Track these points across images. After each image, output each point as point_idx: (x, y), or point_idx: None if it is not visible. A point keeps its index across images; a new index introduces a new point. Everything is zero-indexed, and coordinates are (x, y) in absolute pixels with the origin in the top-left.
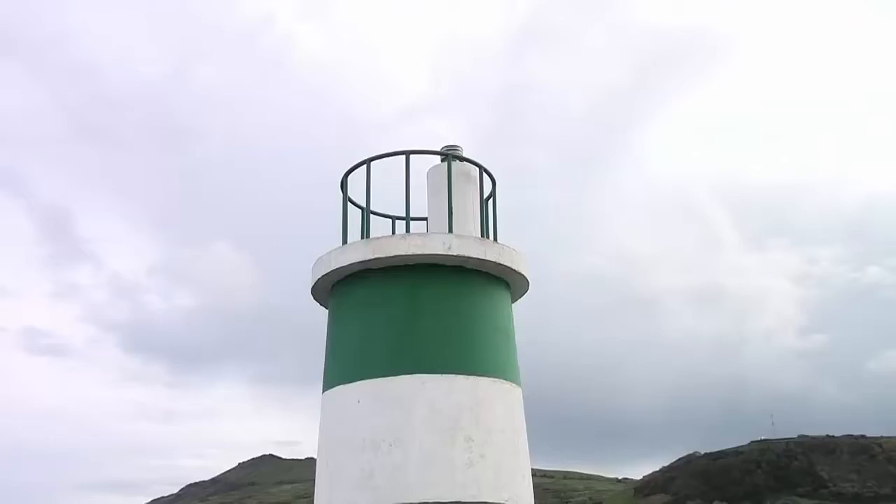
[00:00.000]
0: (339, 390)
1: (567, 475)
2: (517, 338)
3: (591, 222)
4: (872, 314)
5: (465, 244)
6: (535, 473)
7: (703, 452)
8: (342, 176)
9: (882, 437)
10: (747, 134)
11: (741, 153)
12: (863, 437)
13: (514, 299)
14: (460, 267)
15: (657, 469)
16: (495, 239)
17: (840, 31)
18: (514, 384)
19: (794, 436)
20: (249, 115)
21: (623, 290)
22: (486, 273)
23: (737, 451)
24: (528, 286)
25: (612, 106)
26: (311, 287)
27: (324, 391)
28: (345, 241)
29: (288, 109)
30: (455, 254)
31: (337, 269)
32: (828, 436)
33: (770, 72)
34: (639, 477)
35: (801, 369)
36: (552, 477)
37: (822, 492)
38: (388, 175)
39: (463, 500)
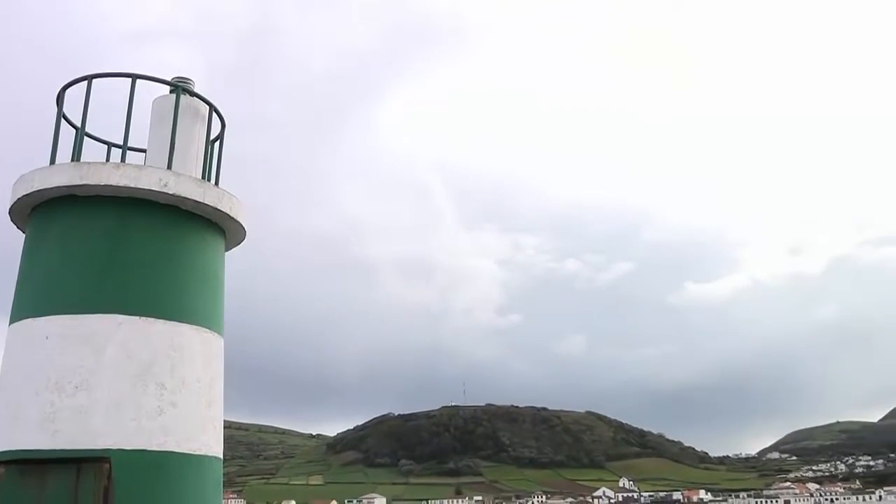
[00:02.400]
0: (27, 324)
1: (262, 429)
2: (227, 287)
3: (319, 183)
4: (565, 302)
5: (182, 184)
6: (230, 426)
7: (396, 414)
8: (59, 90)
9: (561, 411)
10: (478, 124)
11: (470, 141)
12: (545, 409)
13: (228, 248)
14: (175, 207)
15: (351, 427)
16: (216, 183)
17: (570, 44)
18: (216, 333)
19: (483, 404)
20: None
21: (341, 253)
22: (202, 217)
23: (428, 415)
24: (244, 236)
25: (355, 71)
26: (8, 207)
27: (10, 323)
28: (53, 162)
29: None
30: (171, 192)
31: (39, 190)
32: (513, 406)
33: (510, 68)
34: (333, 434)
35: (495, 344)
36: (247, 430)
37: (502, 455)
38: (109, 98)
39: (149, 449)
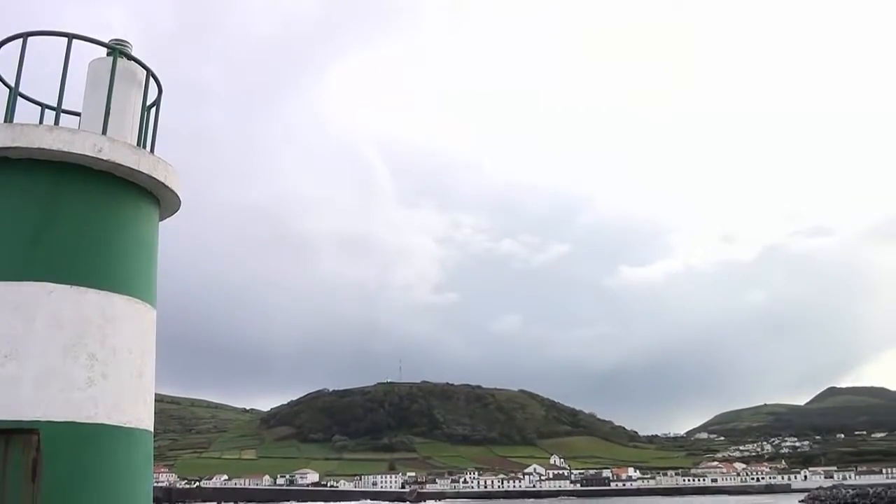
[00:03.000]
0: None
1: (195, 403)
2: (160, 258)
3: (258, 155)
4: (501, 282)
5: (117, 150)
6: (162, 399)
7: (331, 390)
8: None
9: (495, 389)
10: (420, 100)
11: (411, 117)
12: (479, 387)
13: (162, 217)
14: (110, 174)
15: (285, 402)
16: (152, 151)
17: (516, 23)
18: (149, 305)
19: (418, 381)
20: None
21: (279, 227)
22: (136, 185)
23: (363, 391)
24: (179, 205)
25: (298, 41)
26: None
27: None
28: None
29: None
30: (105, 158)
31: None
32: (448, 384)
33: (455, 45)
34: (266, 409)
35: (431, 322)
36: (179, 403)
37: (436, 432)
38: (43, 58)
39: (79, 421)
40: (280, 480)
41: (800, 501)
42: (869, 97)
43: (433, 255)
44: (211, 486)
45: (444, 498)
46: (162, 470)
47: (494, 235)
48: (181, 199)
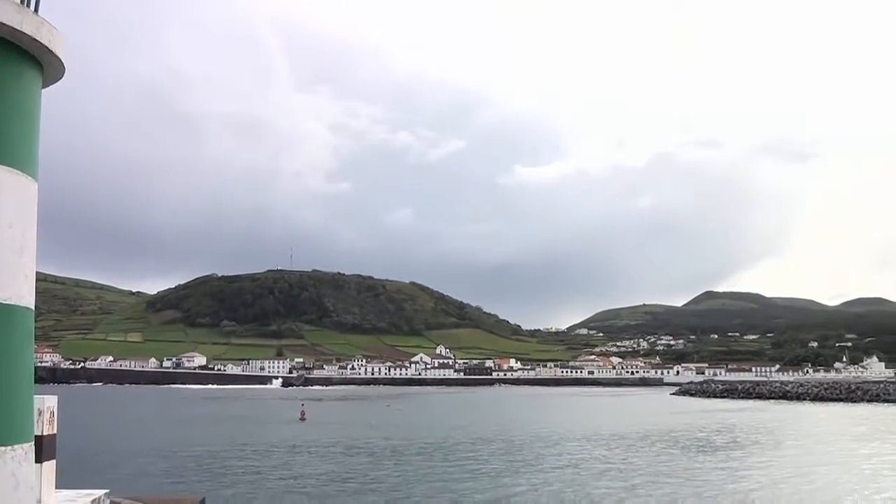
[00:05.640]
0: None
1: (79, 283)
2: (42, 128)
3: (146, 27)
4: (395, 174)
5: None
6: (45, 278)
7: (220, 275)
8: None
9: (386, 280)
10: None
11: None
12: (370, 277)
13: (45, 84)
14: None
15: (172, 286)
16: (36, 11)
17: None
18: (30, 177)
19: (309, 269)
20: None
21: (169, 106)
22: (18, 47)
23: (253, 277)
24: (63, 72)
25: None
26: None
27: None
28: None
29: None
30: None
31: None
32: (339, 273)
33: None
34: (153, 292)
35: (324, 211)
36: (63, 283)
37: (325, 320)
38: None
39: None
40: (166, 363)
41: (671, 394)
42: (772, 20)
43: (327, 143)
44: (96, 367)
45: (331, 384)
46: (46, 350)
47: (391, 127)
48: (65, 65)
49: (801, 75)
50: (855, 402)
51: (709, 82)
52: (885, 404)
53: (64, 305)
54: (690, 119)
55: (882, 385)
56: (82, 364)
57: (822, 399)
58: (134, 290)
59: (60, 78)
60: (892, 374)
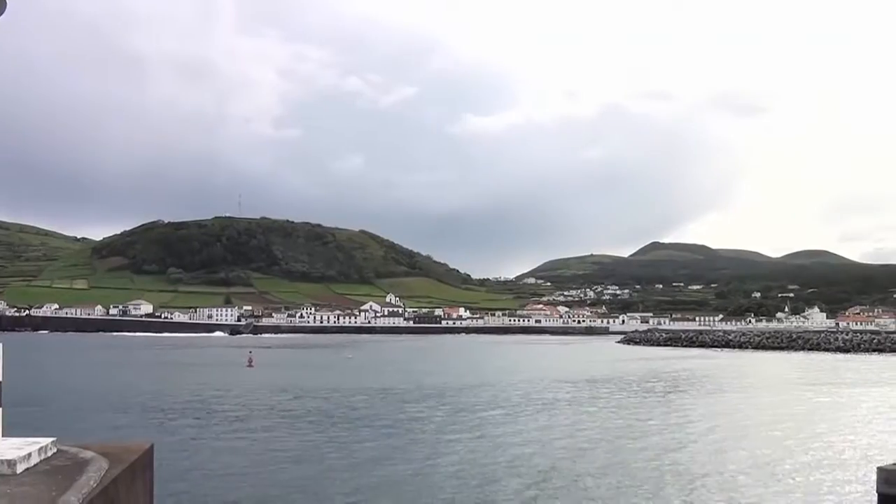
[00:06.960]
0: None
1: (23, 228)
2: None
3: None
4: (345, 120)
5: None
6: None
7: (166, 221)
8: None
9: (336, 229)
10: None
11: None
12: (319, 225)
13: None
14: None
15: (118, 233)
16: None
17: None
18: None
19: (257, 217)
20: None
21: (113, 46)
22: None
23: (200, 224)
24: (4, 7)
25: None
26: None
27: None
28: None
29: None
30: None
31: None
32: (288, 221)
33: None
34: (98, 238)
35: (272, 157)
36: (7, 229)
37: (274, 268)
38: None
39: None
40: (113, 311)
41: (617, 342)
42: None
43: (274, 88)
44: (41, 314)
45: (280, 332)
46: None
47: (340, 72)
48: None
49: (755, 28)
50: (795, 350)
51: (661, 33)
52: (824, 353)
53: (8, 251)
54: (641, 70)
55: (823, 335)
56: (27, 312)
57: (764, 347)
58: (79, 237)
59: (2, 13)
60: (833, 325)
